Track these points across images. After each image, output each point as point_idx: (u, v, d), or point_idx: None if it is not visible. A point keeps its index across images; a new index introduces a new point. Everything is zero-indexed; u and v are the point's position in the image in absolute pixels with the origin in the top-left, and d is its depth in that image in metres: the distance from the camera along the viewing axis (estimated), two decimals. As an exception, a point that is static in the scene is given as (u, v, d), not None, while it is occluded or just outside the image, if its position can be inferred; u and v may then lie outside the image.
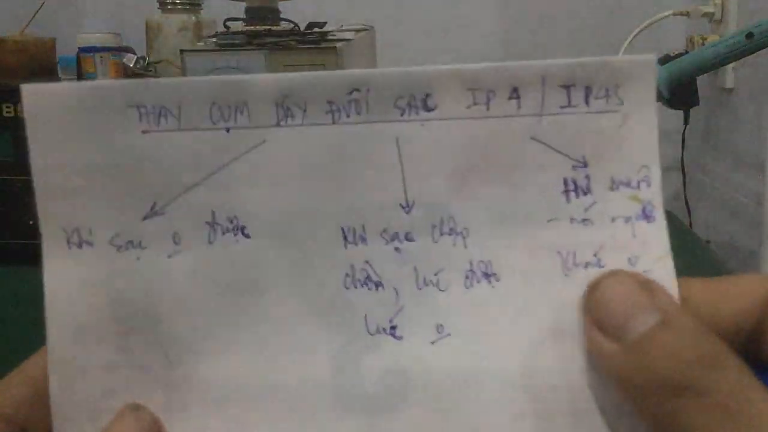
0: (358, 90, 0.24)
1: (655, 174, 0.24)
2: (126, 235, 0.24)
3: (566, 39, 1.41)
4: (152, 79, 0.24)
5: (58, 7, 1.19)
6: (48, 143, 0.24)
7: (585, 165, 0.24)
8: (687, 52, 1.00)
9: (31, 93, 0.24)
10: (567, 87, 0.24)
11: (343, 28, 0.94)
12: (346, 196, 0.24)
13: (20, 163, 0.89)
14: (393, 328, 0.24)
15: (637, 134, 0.24)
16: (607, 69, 0.24)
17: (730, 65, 1.13)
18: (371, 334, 0.24)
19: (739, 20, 1.20)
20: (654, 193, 0.24)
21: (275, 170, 0.24)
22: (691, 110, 1.13)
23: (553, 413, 0.23)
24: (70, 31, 1.11)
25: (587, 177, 0.24)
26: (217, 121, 0.24)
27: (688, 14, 1.26)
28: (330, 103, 0.24)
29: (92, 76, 0.93)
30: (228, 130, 0.24)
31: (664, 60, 0.97)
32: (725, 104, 1.26)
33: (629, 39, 1.24)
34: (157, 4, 1.04)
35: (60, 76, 1.00)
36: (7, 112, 0.88)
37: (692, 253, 0.97)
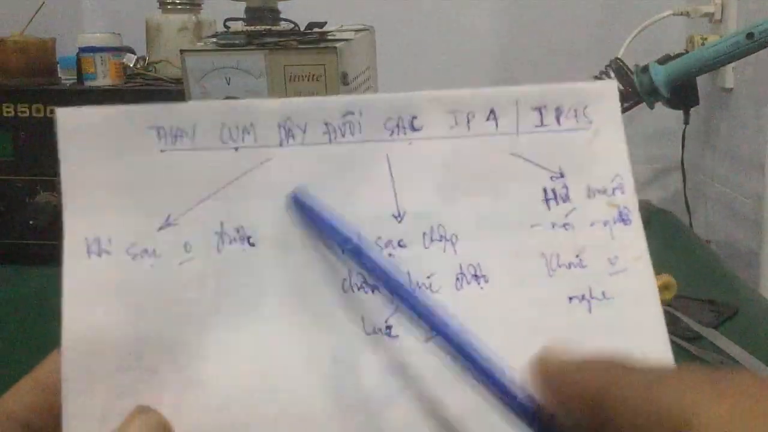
0: (351, 113, 0.26)
1: (628, 181, 0.27)
2: (142, 244, 0.26)
3: (566, 38, 1.41)
4: (170, 104, 0.26)
5: (58, 7, 1.19)
6: (77, 161, 0.26)
7: (562, 176, 0.27)
8: (687, 52, 1.00)
9: (65, 116, 0.26)
10: (539, 109, 0.27)
11: (343, 28, 0.94)
12: (342, 208, 0.26)
13: (20, 163, 0.89)
14: (389, 328, 0.26)
15: (608, 147, 0.27)
16: (574, 93, 0.27)
17: (730, 65, 1.13)
18: (368, 334, 0.26)
19: (739, 20, 1.20)
20: (628, 199, 0.27)
21: (278, 185, 0.26)
22: (691, 110, 1.13)
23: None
24: (70, 31, 1.11)
25: (565, 186, 0.27)
26: (227, 141, 0.26)
27: (688, 14, 1.25)
28: (327, 124, 0.26)
29: (92, 77, 0.92)
30: (236, 149, 0.26)
31: (664, 60, 0.97)
32: (725, 104, 1.26)
33: (629, 39, 1.24)
34: (157, 4, 1.04)
35: (60, 76, 1.00)
36: (7, 112, 0.88)
37: (692, 253, 0.97)
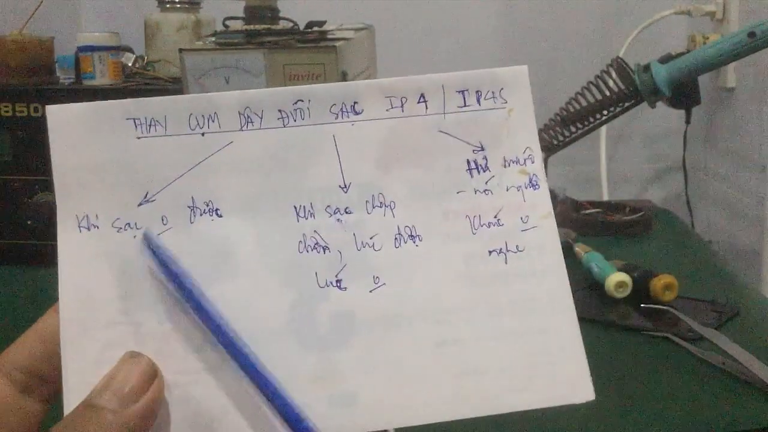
0: (301, 101, 0.32)
1: (537, 153, 0.33)
2: (125, 219, 0.31)
3: (567, 38, 1.41)
4: (144, 98, 0.31)
5: (56, 6, 1.18)
6: (65, 149, 0.31)
7: (482, 149, 0.32)
8: (688, 51, 0.99)
9: (54, 111, 0.31)
10: (462, 92, 0.32)
11: (343, 26, 0.94)
12: (297, 182, 0.31)
13: (18, 163, 0.88)
14: (339, 281, 0.31)
15: (520, 124, 0.32)
16: (491, 77, 0.32)
17: (732, 64, 1.13)
18: (321, 287, 0.31)
19: (740, 19, 1.20)
20: (537, 168, 0.32)
21: (240, 164, 0.31)
22: (692, 110, 1.13)
23: (465, 340, 0.31)
24: (68, 30, 1.10)
25: (485, 158, 0.32)
26: (195, 128, 0.31)
27: (689, 13, 1.25)
28: (280, 111, 0.32)
29: (90, 76, 0.92)
30: (203, 134, 0.31)
31: (665, 59, 0.97)
32: (727, 104, 1.25)
33: (631, 37, 1.23)
34: (156, 3, 1.04)
35: (58, 75, 1.00)
36: (5, 112, 0.87)
37: (694, 253, 0.97)
